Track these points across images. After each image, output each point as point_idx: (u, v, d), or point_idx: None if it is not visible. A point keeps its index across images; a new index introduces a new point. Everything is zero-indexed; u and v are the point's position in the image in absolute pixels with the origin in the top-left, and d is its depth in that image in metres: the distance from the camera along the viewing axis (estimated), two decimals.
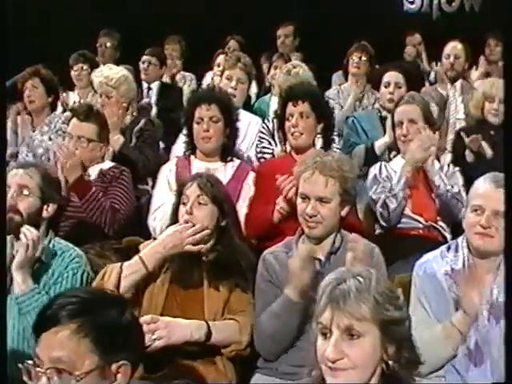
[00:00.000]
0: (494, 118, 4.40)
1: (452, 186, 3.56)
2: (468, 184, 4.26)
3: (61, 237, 3.13)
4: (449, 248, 2.66)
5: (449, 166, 3.80)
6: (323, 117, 3.61)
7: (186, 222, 2.74)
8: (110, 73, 4.46)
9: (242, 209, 3.52)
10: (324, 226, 2.73)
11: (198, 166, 3.65)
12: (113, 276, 2.61)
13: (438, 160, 3.98)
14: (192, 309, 2.65)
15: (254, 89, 5.98)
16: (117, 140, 4.18)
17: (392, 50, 6.36)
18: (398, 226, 3.56)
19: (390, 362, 1.74)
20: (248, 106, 5.26)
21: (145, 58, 5.64)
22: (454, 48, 5.49)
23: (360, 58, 5.45)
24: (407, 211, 3.55)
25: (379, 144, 4.25)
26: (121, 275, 2.62)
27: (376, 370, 1.75)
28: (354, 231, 3.40)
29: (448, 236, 3.56)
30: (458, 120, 5.32)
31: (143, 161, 4.21)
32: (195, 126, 3.63)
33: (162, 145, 4.76)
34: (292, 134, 3.56)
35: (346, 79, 5.59)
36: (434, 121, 3.94)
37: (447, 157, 4.73)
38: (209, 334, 2.54)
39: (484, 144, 4.33)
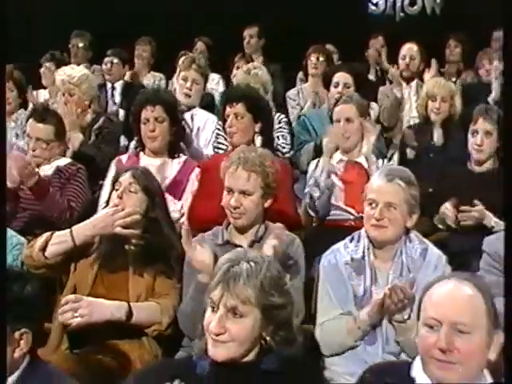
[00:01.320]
0: (436, 116, 4.64)
1: None
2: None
3: (18, 228, 3.37)
4: (352, 239, 2.89)
5: (383, 160, 4.00)
6: (260, 117, 3.86)
7: (116, 206, 2.98)
8: (71, 71, 4.70)
9: (187, 202, 3.78)
10: (247, 217, 2.94)
11: (146, 161, 3.87)
12: (42, 240, 2.87)
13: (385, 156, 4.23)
14: (117, 291, 2.88)
15: (221, 88, 6.23)
16: (76, 137, 4.41)
17: (356, 51, 6.64)
18: (332, 218, 3.77)
19: (267, 339, 1.95)
20: (213, 104, 5.51)
21: (107, 58, 5.89)
22: (409, 49, 5.71)
23: (318, 58, 5.67)
24: (340, 204, 3.76)
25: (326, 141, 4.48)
26: (48, 241, 2.87)
27: (255, 347, 1.96)
28: (292, 224, 3.67)
29: None
30: (412, 118, 5.52)
31: (102, 157, 4.41)
32: (142, 126, 3.87)
33: (125, 142, 4.98)
34: (229, 133, 3.81)
35: (307, 79, 5.83)
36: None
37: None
38: (130, 314, 2.75)
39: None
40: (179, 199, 3.79)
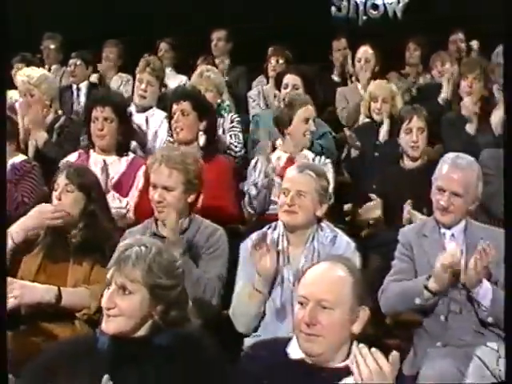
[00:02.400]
0: (377, 116, 4.88)
1: None
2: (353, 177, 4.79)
3: None
4: (269, 227, 3.14)
5: (320, 157, 4.23)
6: (205, 116, 4.07)
7: (55, 207, 3.21)
8: (30, 72, 4.93)
9: (133, 198, 4.00)
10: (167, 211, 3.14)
11: (95, 158, 4.10)
12: None
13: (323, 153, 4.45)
14: (56, 280, 3.10)
15: None
16: (41, 136, 4.63)
17: (321, 53, 6.86)
18: (272, 212, 3.98)
19: (156, 318, 2.17)
20: None
21: (71, 60, 6.10)
22: (364, 52, 5.94)
23: (277, 61, 5.90)
24: (276, 198, 3.99)
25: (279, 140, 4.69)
26: None
27: (145, 323, 2.17)
28: (233, 218, 3.90)
29: None
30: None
31: (62, 156, 4.63)
32: (92, 124, 4.08)
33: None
34: (174, 130, 4.03)
35: (268, 81, 6.04)
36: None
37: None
38: (59, 297, 2.98)
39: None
40: (126, 195, 4.00)
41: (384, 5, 7.22)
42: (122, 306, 2.14)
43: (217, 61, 6.63)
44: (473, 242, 3.03)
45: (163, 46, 6.63)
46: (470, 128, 4.72)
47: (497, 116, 4.65)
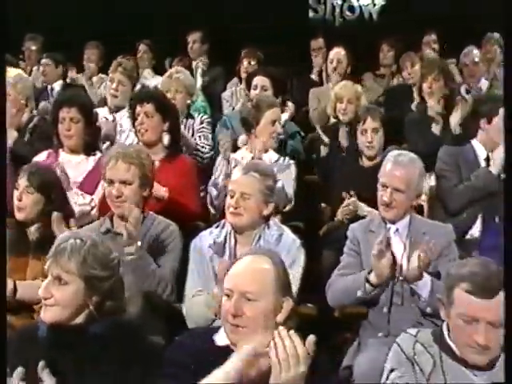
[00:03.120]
0: (343, 116, 4.99)
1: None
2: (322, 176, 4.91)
3: None
4: (217, 226, 3.25)
5: (284, 158, 4.35)
6: (168, 117, 4.18)
7: (18, 207, 3.36)
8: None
9: (98, 196, 4.10)
10: (127, 205, 3.27)
11: (64, 158, 4.22)
12: None
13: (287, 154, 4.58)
14: (17, 274, 3.23)
15: None
16: (10, 135, 4.74)
17: (299, 54, 6.99)
18: None
19: (91, 308, 2.30)
20: None
21: (42, 61, 6.27)
22: (337, 53, 6.06)
23: (249, 62, 6.04)
24: None
25: (241, 139, 4.81)
26: None
27: (81, 312, 2.30)
28: (195, 215, 4.01)
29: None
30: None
31: (33, 155, 4.75)
32: (59, 125, 4.21)
33: None
34: (139, 131, 4.15)
35: (241, 82, 6.16)
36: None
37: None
38: (15, 289, 3.11)
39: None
40: (92, 193, 4.13)
41: (360, 7, 7.36)
42: (57, 296, 2.27)
43: (194, 62, 6.74)
44: (416, 237, 3.16)
45: (142, 47, 6.75)
46: (436, 129, 4.82)
47: (456, 116, 4.77)
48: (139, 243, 3.12)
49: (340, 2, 7.32)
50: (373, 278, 3.03)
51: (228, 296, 2.18)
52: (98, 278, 2.29)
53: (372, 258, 2.99)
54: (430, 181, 4.64)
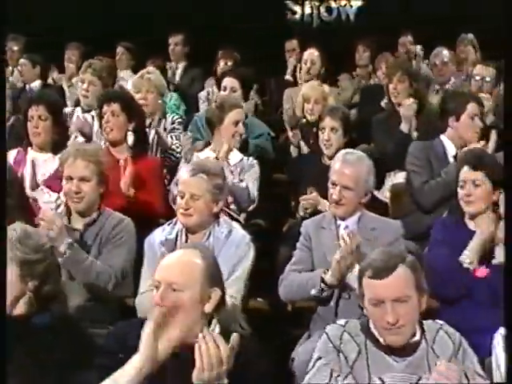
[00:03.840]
0: (310, 116, 5.08)
1: (241, 180, 4.23)
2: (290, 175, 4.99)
3: None
4: (170, 223, 3.33)
5: (248, 158, 4.43)
6: (134, 117, 4.29)
7: None
8: None
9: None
10: (86, 201, 3.39)
11: (32, 155, 4.32)
12: None
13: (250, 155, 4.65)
14: None
15: None
16: None
17: (277, 55, 7.10)
18: None
19: (29, 294, 2.40)
20: None
21: (20, 61, 6.40)
22: (310, 54, 6.13)
23: (226, 63, 6.15)
24: None
25: (198, 143, 4.83)
26: None
27: (18, 299, 2.40)
28: (158, 213, 4.10)
29: (238, 217, 4.21)
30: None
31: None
32: (28, 123, 4.31)
33: None
34: (104, 130, 4.25)
35: None
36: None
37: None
38: None
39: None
40: (59, 191, 4.22)
41: (338, 9, 7.46)
42: None
43: (172, 63, 6.85)
44: (365, 233, 3.25)
45: (119, 49, 6.84)
46: (405, 127, 4.91)
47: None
48: (69, 240, 3.19)
49: (317, 4, 7.41)
50: (329, 278, 3.09)
51: (157, 287, 2.26)
52: (32, 262, 2.39)
53: (333, 261, 3.06)
54: (395, 178, 4.77)
